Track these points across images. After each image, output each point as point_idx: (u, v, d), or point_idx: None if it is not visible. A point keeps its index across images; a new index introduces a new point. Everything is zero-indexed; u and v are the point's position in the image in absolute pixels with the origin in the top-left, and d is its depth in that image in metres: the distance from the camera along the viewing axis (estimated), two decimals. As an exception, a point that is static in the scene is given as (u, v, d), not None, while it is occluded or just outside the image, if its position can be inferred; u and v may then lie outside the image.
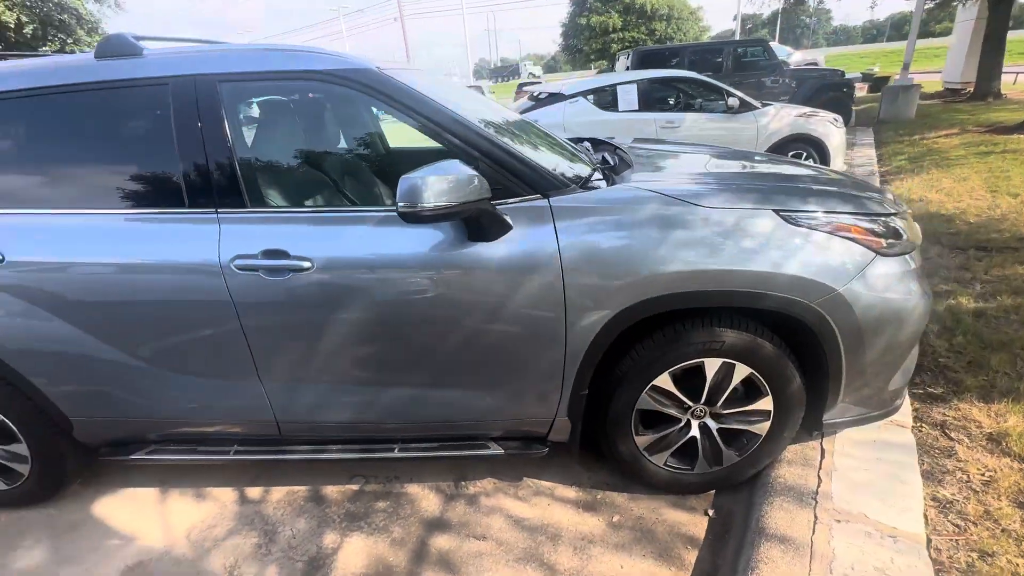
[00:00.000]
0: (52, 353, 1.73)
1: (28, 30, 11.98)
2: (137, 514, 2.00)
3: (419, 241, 1.56)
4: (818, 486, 1.71)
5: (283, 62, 1.63)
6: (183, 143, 1.60)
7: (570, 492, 1.95)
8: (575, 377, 1.66)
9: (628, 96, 5.36)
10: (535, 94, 5.74)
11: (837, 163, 5.45)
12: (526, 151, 1.65)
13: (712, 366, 1.65)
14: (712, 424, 1.77)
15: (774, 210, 1.56)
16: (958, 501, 1.63)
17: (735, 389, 1.71)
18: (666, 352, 1.64)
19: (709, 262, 1.51)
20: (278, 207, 1.65)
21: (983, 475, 1.71)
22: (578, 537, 1.75)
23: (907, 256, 1.67)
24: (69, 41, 13.02)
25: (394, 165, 2.37)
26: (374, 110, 2.52)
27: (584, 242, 1.54)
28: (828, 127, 5.33)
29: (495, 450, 1.83)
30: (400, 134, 2.22)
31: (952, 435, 1.90)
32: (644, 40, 23.35)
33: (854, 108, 9.43)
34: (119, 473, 2.18)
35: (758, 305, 1.56)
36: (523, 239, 1.54)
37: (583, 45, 26.98)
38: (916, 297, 1.62)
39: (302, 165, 1.77)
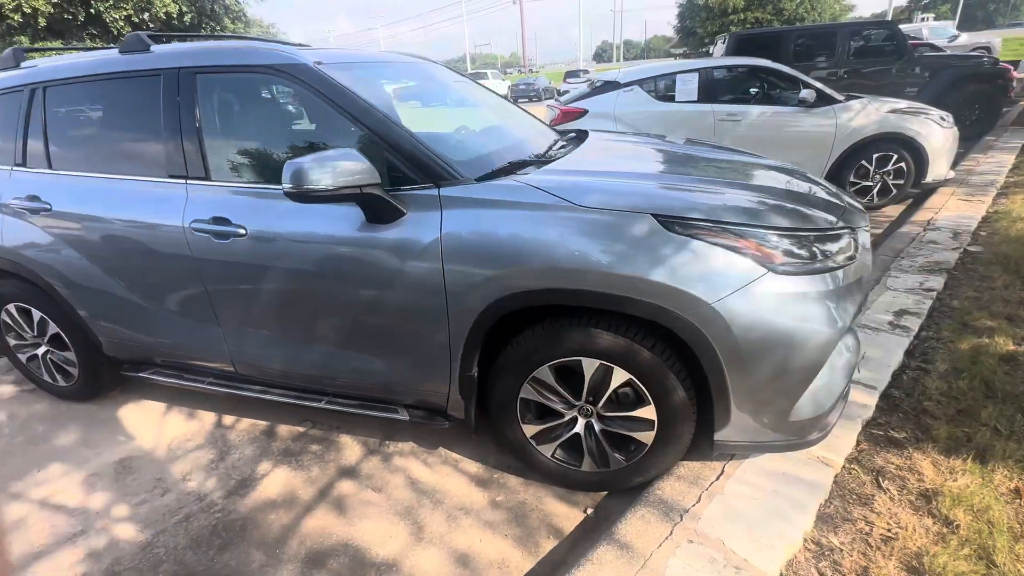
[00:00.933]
0: (82, 283, 2.24)
1: (187, 19, 14.28)
2: (144, 421, 2.51)
3: (328, 220, 1.76)
4: (693, 505, 1.65)
5: (239, 57, 1.91)
6: (167, 124, 1.96)
7: (473, 467, 2.07)
8: (461, 358, 1.76)
9: (687, 86, 5.06)
10: (594, 82, 5.63)
11: (939, 168, 4.67)
12: (427, 143, 1.75)
13: (589, 366, 1.66)
14: (596, 425, 1.77)
15: (653, 214, 1.51)
16: (841, 551, 1.48)
17: (623, 394, 1.70)
18: (543, 346, 1.68)
19: (576, 262, 1.52)
20: (230, 182, 1.95)
21: (888, 531, 1.52)
22: (457, 507, 1.88)
23: (823, 277, 1.51)
24: (217, 28, 15.29)
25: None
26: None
27: (462, 231, 1.62)
28: (929, 126, 4.57)
29: (402, 416, 2.00)
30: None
31: (883, 484, 1.70)
32: (770, 21, 20.93)
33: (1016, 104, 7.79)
34: (144, 389, 2.72)
35: (627, 310, 1.53)
36: (413, 224, 1.67)
37: (698, 27, 25.01)
38: (816, 324, 1.48)
39: (254, 146, 2.05)
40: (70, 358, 2.52)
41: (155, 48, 2.07)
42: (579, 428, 1.80)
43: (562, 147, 2.23)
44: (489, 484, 1.98)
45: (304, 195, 1.54)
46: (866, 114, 4.66)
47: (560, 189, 1.61)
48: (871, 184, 4.83)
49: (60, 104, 2.21)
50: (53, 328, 2.45)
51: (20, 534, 1.90)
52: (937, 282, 3.02)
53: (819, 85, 4.81)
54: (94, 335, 2.38)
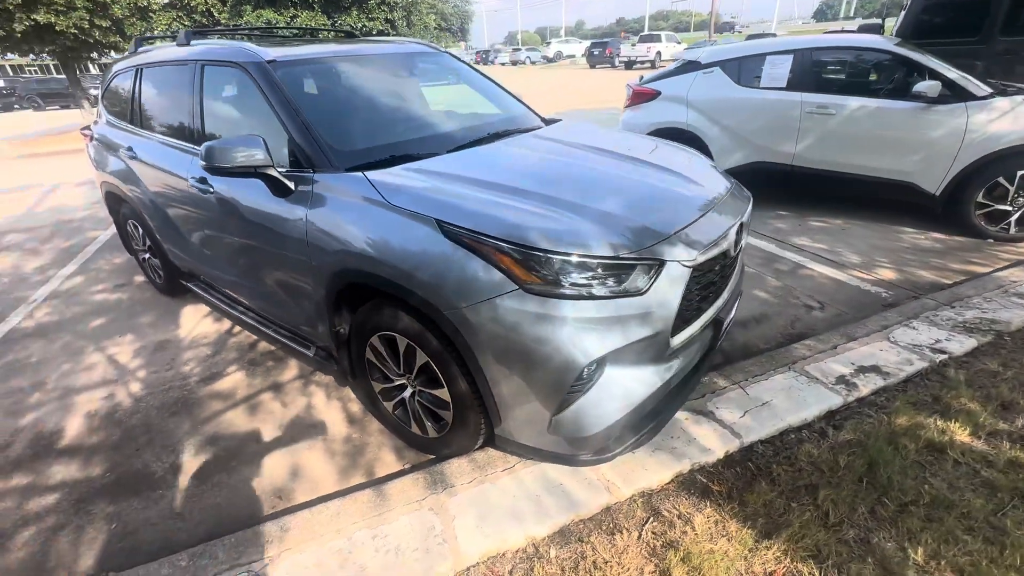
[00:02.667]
0: (151, 210, 3.14)
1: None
2: (190, 318, 3.44)
3: (255, 189, 2.25)
4: (461, 484, 1.83)
5: (225, 54, 2.45)
6: (194, 102, 2.62)
7: (355, 408, 2.48)
8: (328, 317, 2.15)
9: (776, 69, 4.39)
10: (678, 59, 5.18)
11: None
12: (317, 133, 2.08)
13: (401, 342, 1.91)
14: (415, 394, 2.03)
15: (436, 219, 1.66)
16: (548, 562, 1.56)
17: (430, 372, 1.91)
18: (372, 318, 1.97)
19: (377, 250, 1.77)
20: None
21: (602, 564, 1.54)
22: (322, 433, 2.32)
23: (575, 303, 1.52)
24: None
25: None
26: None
27: (319, 211, 1.97)
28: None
29: (309, 353, 2.48)
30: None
31: (646, 524, 1.66)
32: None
33: None
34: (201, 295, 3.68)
35: (409, 300, 1.73)
36: (296, 200, 2.07)
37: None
38: (554, 347, 1.51)
39: (226, 124, 2.61)
40: (158, 263, 3.54)
41: (193, 43, 2.73)
42: (406, 394, 2.07)
43: (476, 141, 2.36)
44: (355, 424, 2.38)
45: (213, 169, 2.03)
46: (1016, 116, 3.58)
47: (384, 186, 1.84)
48: (1009, 209, 3.75)
49: (146, 80, 3.06)
50: (148, 241, 3.47)
51: (87, 371, 2.89)
52: (961, 345, 2.42)
53: (955, 75, 3.79)
54: (163, 246, 3.31)
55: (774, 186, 5.04)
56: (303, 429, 2.36)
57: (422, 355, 1.85)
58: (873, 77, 4.25)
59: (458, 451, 2.00)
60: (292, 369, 2.81)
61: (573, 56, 40.70)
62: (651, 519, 1.68)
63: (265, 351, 3.00)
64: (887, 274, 3.51)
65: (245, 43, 2.49)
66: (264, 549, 1.63)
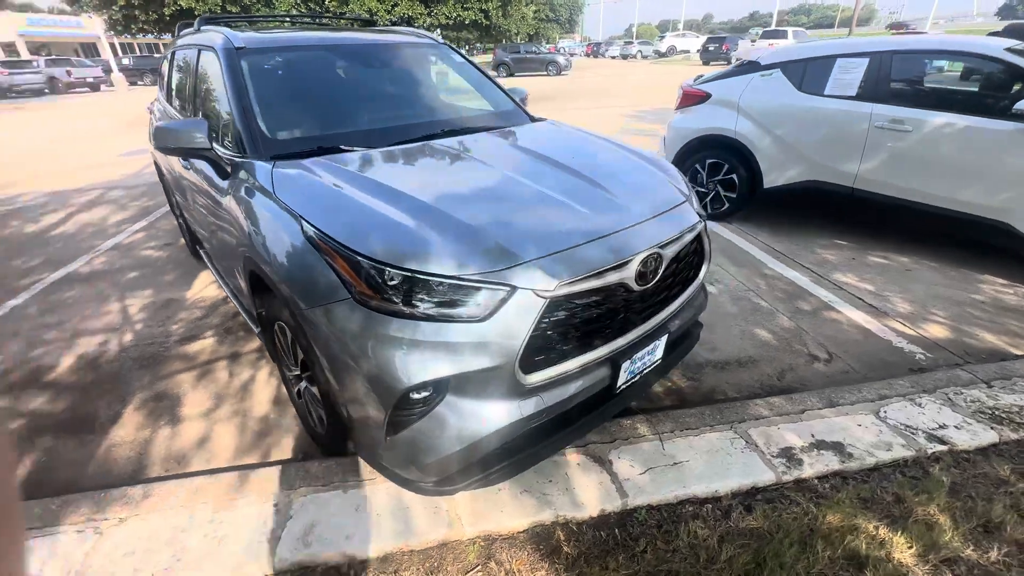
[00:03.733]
0: (171, 182, 3.45)
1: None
2: (201, 281, 3.76)
3: (211, 168, 2.37)
4: (300, 487, 1.80)
5: (206, 40, 2.59)
6: (192, 84, 2.83)
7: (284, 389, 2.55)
8: (250, 296, 2.21)
9: (847, 75, 3.73)
10: (740, 60, 4.61)
11: None
12: (255, 122, 2.13)
13: (288, 334, 1.91)
14: (307, 387, 2.03)
15: (300, 216, 1.62)
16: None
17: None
18: (269, 306, 1.99)
19: (260, 242, 1.77)
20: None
21: (403, 602, 1.42)
22: (251, 405, 2.42)
23: (401, 321, 1.40)
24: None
25: None
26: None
27: (237, 198, 2.02)
28: None
29: (256, 330, 2.58)
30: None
31: (443, 559, 1.51)
32: None
33: None
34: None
35: (278, 293, 1.72)
36: (231, 181, 2.14)
37: None
38: (376, 364, 1.42)
39: (209, 104, 2.75)
40: (186, 228, 3.91)
41: (203, 29, 2.93)
42: (302, 385, 2.08)
43: (426, 137, 2.28)
44: (279, 405, 2.44)
45: (161, 148, 2.17)
46: None
47: (280, 178, 1.84)
48: None
49: (175, 62, 3.35)
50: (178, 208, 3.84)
51: (101, 317, 3.28)
52: (972, 437, 1.90)
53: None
54: (185, 217, 3.64)
55: (831, 211, 4.37)
56: (233, 401, 2.47)
57: (299, 350, 1.84)
58: (967, 89, 3.46)
59: (340, 451, 1.97)
60: (255, 342, 2.96)
61: (687, 52, 38.42)
62: (478, 567, 1.53)
63: (244, 322, 3.19)
64: (937, 332, 2.87)
65: (228, 30, 2.61)
66: (120, 511, 1.73)
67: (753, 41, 26.94)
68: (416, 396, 1.45)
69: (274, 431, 2.27)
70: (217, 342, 2.98)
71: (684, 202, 1.96)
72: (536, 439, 1.64)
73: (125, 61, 33.21)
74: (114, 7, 11.53)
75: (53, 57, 28.27)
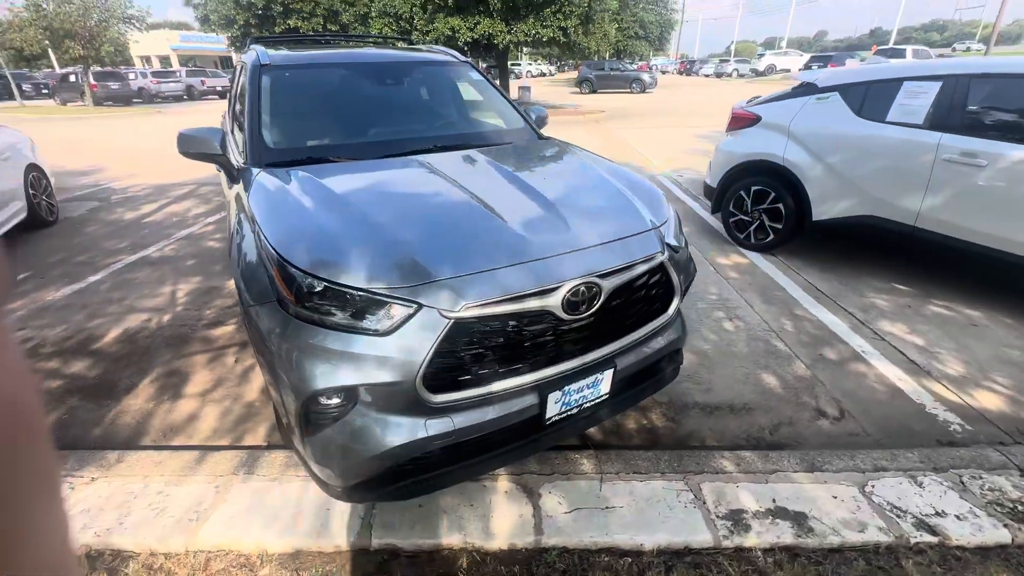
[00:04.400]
0: (223, 183, 3.84)
1: None
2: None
3: (225, 173, 2.61)
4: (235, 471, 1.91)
5: (246, 57, 2.86)
6: (239, 96, 3.15)
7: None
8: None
9: (913, 100, 3.31)
10: (797, 81, 4.24)
11: None
12: (259, 133, 2.32)
13: (255, 330, 2.05)
14: (272, 381, 2.15)
15: (255, 218, 1.74)
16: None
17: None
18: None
19: (231, 243, 1.93)
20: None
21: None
22: (233, 384, 2.61)
23: (312, 327, 1.45)
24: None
25: None
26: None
27: (236, 199, 2.21)
28: None
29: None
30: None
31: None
32: None
33: None
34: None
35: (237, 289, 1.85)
36: (235, 186, 2.35)
37: None
38: (288, 365, 1.48)
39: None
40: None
41: (251, 46, 3.25)
42: (271, 379, 2.21)
43: (412, 152, 2.36)
44: (265, 392, 2.61)
45: (183, 152, 2.43)
46: None
47: (256, 184, 1.99)
48: None
49: (236, 75, 3.73)
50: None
51: (152, 298, 3.70)
52: (976, 532, 1.59)
53: None
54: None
55: (889, 250, 3.90)
56: (229, 386, 2.68)
57: None
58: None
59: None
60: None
61: (788, 71, 36.05)
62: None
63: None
64: (989, 401, 2.44)
65: (262, 48, 2.87)
66: (94, 471, 1.94)
67: (863, 60, 24.73)
68: (326, 401, 1.50)
69: (254, 418, 2.43)
70: (236, 330, 3.24)
71: (646, 231, 1.85)
72: (451, 460, 1.62)
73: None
74: (235, 27, 13.20)
75: (192, 68, 32.62)
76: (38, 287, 3.92)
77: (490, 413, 1.59)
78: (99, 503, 1.79)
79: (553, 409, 1.68)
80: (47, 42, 18.01)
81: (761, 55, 41.40)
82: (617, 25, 16.48)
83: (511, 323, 1.52)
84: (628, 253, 1.73)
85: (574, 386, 1.70)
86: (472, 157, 2.35)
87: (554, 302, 1.54)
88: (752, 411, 2.41)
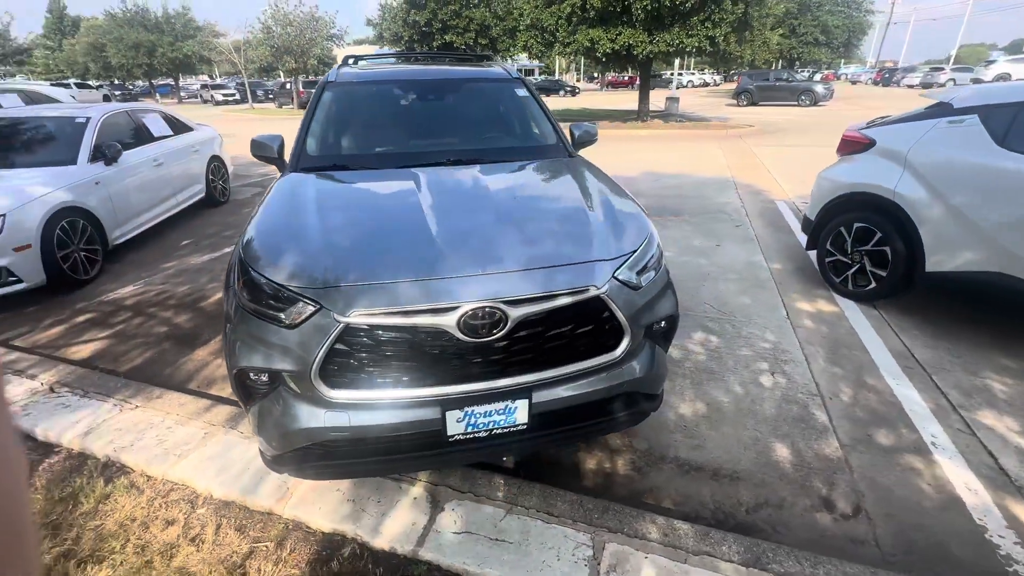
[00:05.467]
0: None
1: None
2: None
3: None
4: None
5: (326, 76, 3.29)
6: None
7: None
8: None
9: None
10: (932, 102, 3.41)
11: None
12: (305, 140, 2.69)
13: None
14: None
15: (251, 217, 2.05)
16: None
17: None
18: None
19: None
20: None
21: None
22: (272, 360, 3.06)
23: (244, 312, 1.68)
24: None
25: None
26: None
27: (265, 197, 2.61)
28: None
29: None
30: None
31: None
32: None
33: None
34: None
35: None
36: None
37: None
38: (229, 344, 1.72)
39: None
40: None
41: (344, 63, 3.72)
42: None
43: (431, 164, 2.54)
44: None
45: (254, 155, 2.92)
46: None
47: (275, 185, 2.31)
48: None
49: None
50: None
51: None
52: None
53: None
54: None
55: (1018, 316, 3.00)
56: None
57: None
58: None
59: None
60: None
61: (1032, 80, 28.51)
62: (266, 542, 1.71)
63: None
64: (1100, 548, 1.77)
65: (340, 66, 3.29)
66: (139, 401, 2.47)
67: None
68: (254, 377, 1.72)
69: (273, 383, 2.83)
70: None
71: (585, 263, 1.74)
72: (356, 454, 1.73)
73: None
74: (402, 42, 15.04)
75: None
76: (190, 252, 5.00)
77: (386, 418, 1.67)
78: (128, 426, 2.28)
79: (456, 428, 1.69)
80: (271, 57, 22.40)
81: (991, 61, 33.43)
82: (783, 31, 14.74)
83: (405, 336, 1.58)
84: (550, 282, 1.66)
85: (480, 409, 1.69)
86: (469, 173, 2.42)
87: (449, 322, 1.56)
88: (738, 482, 2.09)
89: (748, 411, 2.51)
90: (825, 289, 3.88)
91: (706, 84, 49.84)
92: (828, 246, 3.81)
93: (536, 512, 1.78)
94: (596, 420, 1.91)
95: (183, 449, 2.13)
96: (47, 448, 2.21)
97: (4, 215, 3.56)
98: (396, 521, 1.76)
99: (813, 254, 4.09)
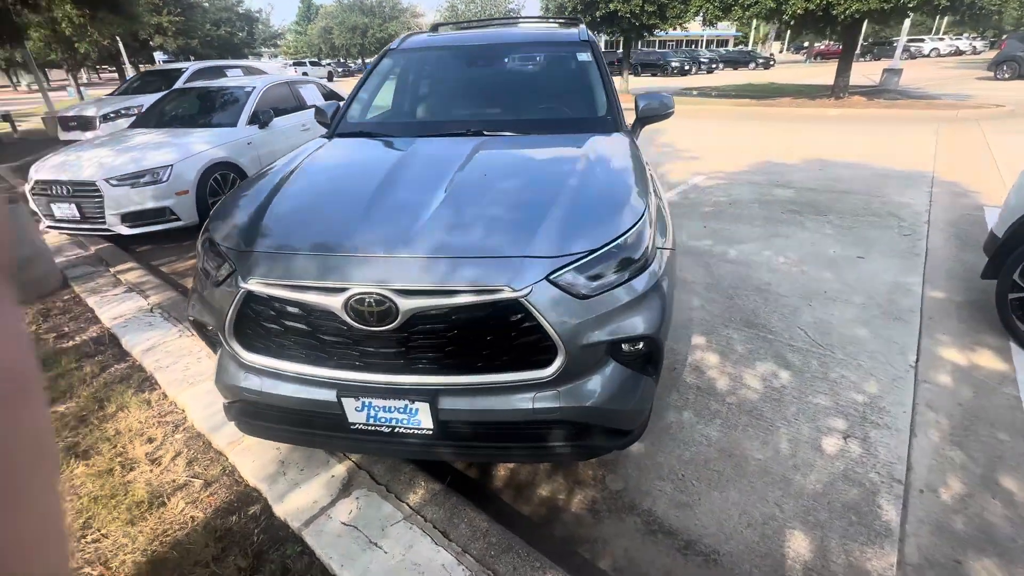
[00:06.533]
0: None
1: None
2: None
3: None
4: (243, 373, 2.46)
5: (390, 45, 3.31)
6: None
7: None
8: None
9: None
10: None
11: None
12: (349, 106, 2.75)
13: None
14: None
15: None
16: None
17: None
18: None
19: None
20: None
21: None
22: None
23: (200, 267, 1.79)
24: None
25: None
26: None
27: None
28: None
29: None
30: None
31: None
32: None
33: None
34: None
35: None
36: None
37: None
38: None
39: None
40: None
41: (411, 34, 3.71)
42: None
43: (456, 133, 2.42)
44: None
45: (318, 121, 3.09)
46: None
47: (304, 147, 2.41)
48: None
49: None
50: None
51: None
52: None
53: None
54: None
55: None
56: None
57: None
58: None
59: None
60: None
61: None
62: (198, 477, 1.85)
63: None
64: None
65: (415, 33, 3.27)
66: (188, 329, 2.88)
67: None
68: (208, 329, 1.84)
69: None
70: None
71: (511, 258, 1.44)
72: (271, 419, 1.74)
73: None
74: (567, 12, 14.67)
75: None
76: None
77: (290, 391, 1.64)
78: (175, 350, 2.68)
79: (357, 416, 1.59)
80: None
81: None
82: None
83: (299, 311, 1.51)
84: (452, 276, 1.41)
85: (379, 403, 1.56)
86: (467, 145, 2.20)
87: (336, 303, 1.44)
88: (712, 567, 1.60)
89: (780, 479, 1.90)
90: (999, 336, 2.74)
91: (959, 52, 39.12)
92: (1016, 276, 2.66)
93: (432, 528, 1.60)
94: (526, 444, 1.62)
95: (197, 379, 2.42)
96: (122, 355, 2.72)
97: (172, 165, 4.45)
98: (304, 494, 1.75)
99: (993, 285, 2.90)
